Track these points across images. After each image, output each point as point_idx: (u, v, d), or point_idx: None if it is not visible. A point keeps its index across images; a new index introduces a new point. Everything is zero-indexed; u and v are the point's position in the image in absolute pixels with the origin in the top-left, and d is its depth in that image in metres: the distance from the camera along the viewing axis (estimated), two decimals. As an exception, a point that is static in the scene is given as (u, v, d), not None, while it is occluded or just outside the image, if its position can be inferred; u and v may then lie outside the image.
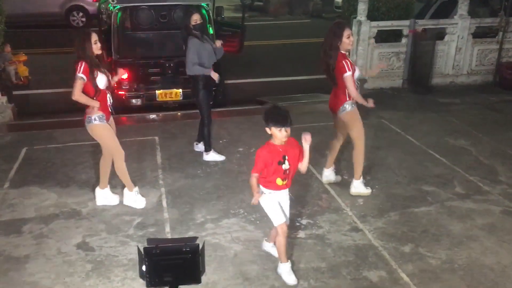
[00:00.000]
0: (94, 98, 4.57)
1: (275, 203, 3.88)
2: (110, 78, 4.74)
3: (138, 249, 1.61)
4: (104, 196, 5.05)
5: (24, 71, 9.60)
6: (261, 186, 3.85)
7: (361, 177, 5.27)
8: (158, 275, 1.60)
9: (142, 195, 5.11)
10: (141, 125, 7.43)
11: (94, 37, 4.53)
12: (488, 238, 4.55)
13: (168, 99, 7.76)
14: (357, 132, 5.08)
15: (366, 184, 5.34)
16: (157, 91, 7.71)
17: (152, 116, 7.78)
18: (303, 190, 5.36)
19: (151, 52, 8.31)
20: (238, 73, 10.01)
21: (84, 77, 4.46)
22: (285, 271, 3.96)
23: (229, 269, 4.08)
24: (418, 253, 4.31)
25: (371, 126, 6.76)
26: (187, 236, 1.52)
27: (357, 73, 4.92)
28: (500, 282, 3.95)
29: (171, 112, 7.88)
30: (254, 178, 3.73)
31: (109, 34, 7.97)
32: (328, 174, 5.51)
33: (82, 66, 4.45)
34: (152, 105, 7.84)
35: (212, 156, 6.08)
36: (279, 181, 3.79)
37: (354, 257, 4.26)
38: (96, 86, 4.55)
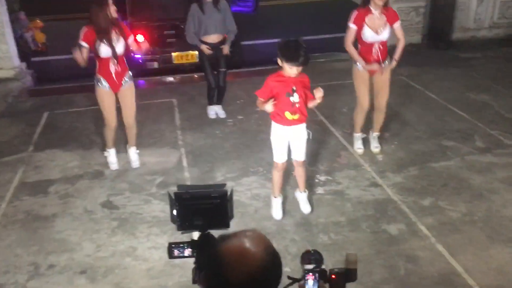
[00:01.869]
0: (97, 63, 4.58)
1: (282, 141, 3.94)
2: (122, 43, 4.60)
3: (169, 194, 1.66)
4: (133, 153, 5.15)
5: (41, 37, 9.64)
6: (272, 122, 3.88)
7: (360, 133, 5.26)
8: (189, 219, 1.65)
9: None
10: (158, 88, 7.47)
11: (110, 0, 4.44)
12: (509, 190, 4.53)
13: (184, 61, 7.74)
14: (357, 92, 5.01)
15: (382, 142, 5.34)
16: (173, 54, 7.69)
17: (169, 78, 7.79)
18: (322, 148, 5.38)
19: (166, 14, 8.22)
20: (254, 34, 9.88)
21: (85, 44, 4.45)
22: (273, 204, 4.16)
23: (250, 225, 4.16)
24: (438, 206, 4.34)
25: (390, 84, 6.66)
26: (216, 183, 1.57)
27: (384, 35, 4.71)
28: (520, 233, 3.97)
29: (188, 74, 7.88)
30: (258, 100, 3.78)
31: (124, -3, 7.91)
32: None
33: (82, 32, 4.45)
34: (168, 68, 7.84)
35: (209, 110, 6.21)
36: (288, 115, 3.79)
37: (373, 211, 4.31)
38: (99, 53, 4.50)
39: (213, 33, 5.79)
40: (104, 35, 4.47)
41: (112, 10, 4.48)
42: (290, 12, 12.55)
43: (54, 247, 3.99)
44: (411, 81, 7.18)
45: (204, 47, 5.81)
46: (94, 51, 4.51)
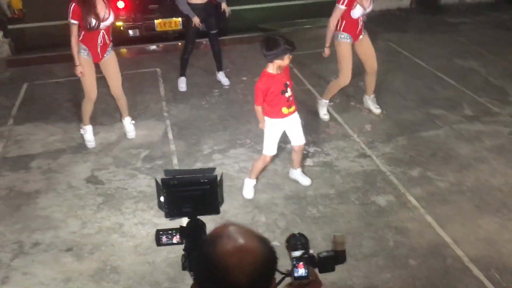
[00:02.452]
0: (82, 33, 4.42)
1: (278, 134, 3.93)
2: (108, 15, 4.44)
3: (156, 180, 1.57)
4: (128, 124, 5.05)
5: (17, 3, 9.26)
6: (266, 117, 3.86)
7: (325, 101, 5.30)
8: (177, 206, 1.58)
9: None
10: (141, 57, 7.27)
11: None
12: (497, 159, 4.53)
13: (167, 28, 7.50)
14: (341, 66, 4.97)
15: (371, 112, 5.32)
16: (155, 21, 7.44)
17: (152, 47, 7.57)
18: (310, 118, 5.29)
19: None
20: (239, -1, 9.62)
21: (75, 21, 4.33)
22: (247, 185, 4.14)
23: (238, 198, 4.12)
24: (426, 177, 4.32)
25: (378, 50, 6.50)
26: (205, 168, 1.49)
27: (359, 11, 4.65)
28: (508, 202, 3.98)
29: (172, 42, 7.66)
30: (258, 108, 3.80)
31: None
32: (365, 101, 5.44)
33: (71, 9, 4.29)
34: (151, 36, 7.60)
35: (180, 83, 6.04)
36: (285, 110, 3.83)
37: (362, 182, 4.28)
38: (86, 25, 4.34)
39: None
40: (90, 8, 4.30)
41: None
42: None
43: (38, 224, 3.90)
44: (398, 47, 7.09)
45: (195, 19, 5.59)
46: (82, 23, 4.35)
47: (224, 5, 5.82)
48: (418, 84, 5.99)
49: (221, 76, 6.12)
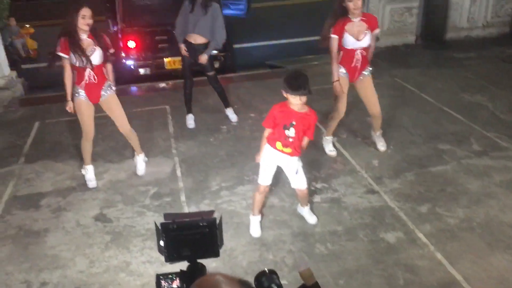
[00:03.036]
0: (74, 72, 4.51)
1: (271, 164, 3.91)
2: (99, 53, 4.49)
3: (156, 224, 1.59)
4: (140, 162, 5.06)
5: (32, 44, 9.56)
6: (266, 144, 3.88)
7: (331, 136, 5.35)
8: (176, 250, 1.59)
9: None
10: (151, 95, 7.39)
11: (84, 11, 4.30)
12: (507, 195, 4.49)
13: (177, 66, 7.66)
14: (334, 101, 5.04)
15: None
16: (165, 59, 7.62)
17: (162, 84, 7.71)
18: (317, 154, 5.32)
19: (157, 19, 8.14)
20: (246, 36, 9.83)
21: (64, 55, 4.40)
22: (253, 222, 4.12)
23: (246, 236, 4.10)
24: (436, 213, 4.28)
25: (384, 85, 6.63)
26: (204, 210, 1.50)
27: (364, 42, 4.71)
28: (519, 239, 3.92)
29: (181, 80, 7.78)
30: (266, 132, 3.81)
31: (114, 3, 7.84)
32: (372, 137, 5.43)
33: (59, 44, 4.38)
34: (161, 74, 7.76)
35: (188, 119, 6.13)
36: (278, 145, 3.80)
37: (370, 219, 4.25)
38: (74, 64, 4.42)
39: (192, 32, 5.67)
40: (75, 45, 4.38)
41: (81, 23, 4.33)
42: (283, 13, 12.51)
43: (46, 264, 3.91)
44: (405, 82, 7.14)
45: (181, 46, 5.75)
46: (70, 60, 4.44)
47: (202, 56, 5.71)
48: (425, 119, 6.01)
49: (229, 113, 6.20)
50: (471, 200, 4.43)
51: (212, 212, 1.65)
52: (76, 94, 4.59)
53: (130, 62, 7.56)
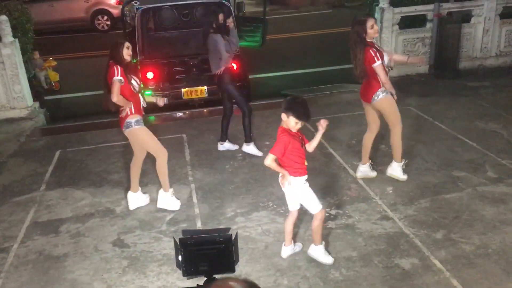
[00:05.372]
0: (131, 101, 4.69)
1: (311, 190, 3.92)
2: (138, 82, 4.82)
3: (174, 240, 1.67)
4: (136, 199, 5.13)
5: (54, 76, 9.87)
6: (293, 178, 3.83)
7: (403, 161, 5.29)
8: (194, 265, 1.66)
9: (176, 197, 5.14)
10: (169, 124, 7.56)
11: (127, 44, 4.64)
12: (523, 221, 4.47)
13: (193, 96, 7.86)
14: (394, 118, 5.09)
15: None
16: (182, 89, 7.81)
17: (179, 114, 7.90)
18: (331, 181, 5.37)
19: (175, 51, 8.41)
20: (262, 67, 10.04)
21: (122, 79, 4.57)
22: (320, 251, 4.05)
23: (260, 261, 4.14)
24: (451, 239, 4.28)
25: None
26: (220, 228, 1.58)
27: (386, 59, 4.91)
28: (536, 266, 3.89)
29: (197, 110, 7.99)
30: (273, 160, 3.75)
31: (133, 36, 8.12)
32: (364, 170, 5.40)
33: (118, 70, 4.55)
34: (178, 103, 7.95)
35: (251, 149, 6.15)
36: (305, 162, 3.86)
37: (385, 245, 4.26)
38: (134, 88, 4.67)
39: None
40: (129, 72, 4.67)
41: (126, 54, 4.62)
42: (297, 44, 12.75)
43: (65, 288, 3.99)
44: (419, 111, 7.20)
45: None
46: (131, 87, 4.64)
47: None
48: (439, 147, 6.04)
49: (227, 144, 6.38)
50: (486, 227, 4.42)
51: (228, 229, 1.73)
52: (139, 124, 4.75)
53: (148, 93, 7.76)
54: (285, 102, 3.75)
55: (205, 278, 1.71)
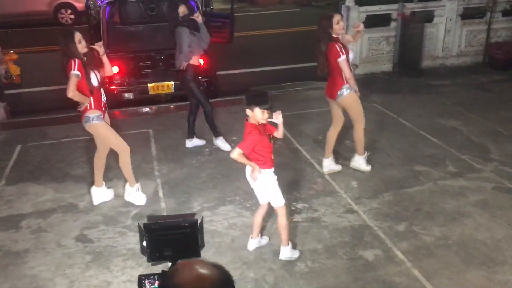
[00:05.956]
0: (90, 96, 4.55)
1: (277, 183, 3.94)
2: (101, 75, 4.67)
3: (139, 225, 1.65)
4: (100, 194, 5.04)
5: (15, 69, 9.56)
6: (263, 170, 3.84)
7: (365, 153, 5.40)
8: (158, 250, 1.65)
9: (142, 191, 5.07)
10: (134, 119, 7.45)
11: (78, 36, 4.42)
12: (481, 214, 4.62)
13: (160, 91, 7.76)
14: (357, 114, 5.18)
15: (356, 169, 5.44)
16: (149, 84, 7.70)
17: (145, 109, 7.79)
18: (298, 176, 5.42)
19: (141, 46, 8.27)
20: (229, 64, 10.01)
21: (79, 74, 4.40)
22: (289, 251, 4.06)
23: (227, 254, 4.14)
24: (412, 231, 4.39)
25: (363, 111, 6.79)
26: (186, 213, 1.56)
27: (351, 56, 4.99)
28: (493, 256, 4.03)
29: (164, 105, 7.90)
30: (240, 154, 3.74)
31: (98, 30, 7.96)
32: (328, 164, 5.48)
33: (75, 64, 4.38)
34: (144, 98, 7.84)
35: (220, 143, 6.14)
36: (272, 157, 3.88)
37: (350, 237, 4.33)
38: (90, 84, 4.50)
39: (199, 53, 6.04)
40: (88, 63, 4.50)
41: (81, 47, 4.45)
42: (265, 42, 12.77)
43: (25, 284, 3.88)
44: (383, 108, 7.34)
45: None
46: (87, 82, 4.47)
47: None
48: (402, 143, 6.18)
49: (196, 141, 6.35)
50: (446, 219, 4.55)
51: (193, 214, 1.72)
52: (98, 120, 4.63)
53: (113, 87, 7.62)
54: (245, 99, 3.79)
55: (170, 264, 1.69)
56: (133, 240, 4.36)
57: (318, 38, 4.93)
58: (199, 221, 1.68)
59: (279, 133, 3.89)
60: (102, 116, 4.67)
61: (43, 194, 5.24)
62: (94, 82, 4.55)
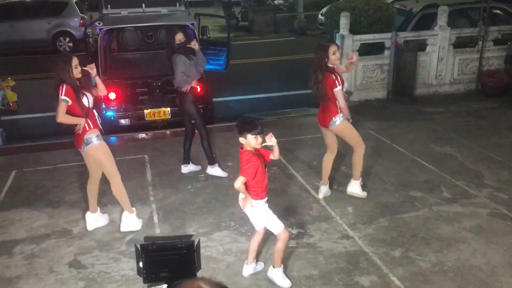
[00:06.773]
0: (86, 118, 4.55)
1: (271, 211, 3.93)
2: (93, 96, 4.68)
3: (136, 246, 1.65)
4: (95, 219, 5.00)
5: (12, 96, 9.62)
6: (256, 201, 3.85)
7: (360, 179, 5.42)
8: (155, 271, 1.64)
9: (137, 217, 5.04)
10: (131, 144, 7.46)
11: (75, 61, 4.47)
12: (476, 239, 4.62)
13: (156, 118, 7.81)
14: (355, 140, 5.23)
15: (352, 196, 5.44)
16: (145, 111, 7.76)
17: (141, 135, 7.81)
18: (293, 201, 5.41)
19: (138, 72, 8.38)
20: (225, 90, 10.11)
21: (68, 99, 4.42)
22: (279, 275, 4.02)
23: (222, 280, 4.08)
24: (408, 257, 4.37)
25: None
26: (183, 234, 1.56)
27: (346, 86, 5.06)
28: (489, 282, 4.02)
29: (160, 131, 7.93)
30: (243, 183, 3.75)
31: (96, 57, 8.05)
32: (326, 191, 5.49)
33: (64, 89, 4.40)
34: (141, 125, 7.87)
35: (216, 171, 6.13)
36: (267, 182, 3.88)
37: (345, 263, 4.31)
38: (83, 107, 4.51)
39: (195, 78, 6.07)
40: (80, 87, 4.52)
41: (77, 72, 4.49)
42: (260, 69, 12.93)
43: (16, 311, 3.82)
44: (378, 134, 7.39)
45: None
46: (79, 105, 4.48)
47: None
48: (397, 168, 6.20)
49: (191, 166, 6.36)
50: (442, 245, 4.54)
51: (190, 235, 1.72)
52: (99, 139, 4.63)
53: (110, 113, 7.67)
54: (236, 128, 3.80)
55: (166, 286, 1.69)
56: (127, 266, 4.32)
57: (314, 68, 5.00)
58: (195, 243, 1.68)
59: (275, 154, 3.90)
60: (100, 136, 4.68)
61: (37, 219, 5.21)
62: (86, 104, 4.55)
